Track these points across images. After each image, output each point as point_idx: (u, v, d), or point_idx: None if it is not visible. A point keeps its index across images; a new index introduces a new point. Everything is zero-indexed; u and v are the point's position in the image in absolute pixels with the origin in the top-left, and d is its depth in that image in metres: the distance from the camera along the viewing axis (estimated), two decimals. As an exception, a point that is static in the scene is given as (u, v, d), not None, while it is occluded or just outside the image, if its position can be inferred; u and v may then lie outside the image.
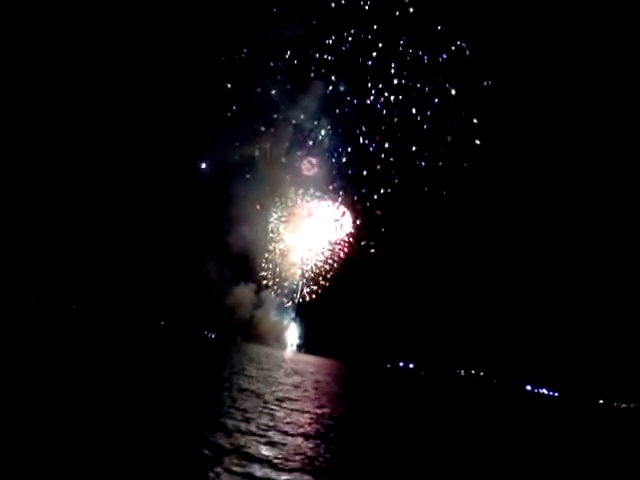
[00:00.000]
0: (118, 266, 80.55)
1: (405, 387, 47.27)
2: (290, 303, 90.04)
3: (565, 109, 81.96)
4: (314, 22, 79.01)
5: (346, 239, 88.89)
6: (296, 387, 23.21)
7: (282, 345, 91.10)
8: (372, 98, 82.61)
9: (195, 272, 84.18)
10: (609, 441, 28.68)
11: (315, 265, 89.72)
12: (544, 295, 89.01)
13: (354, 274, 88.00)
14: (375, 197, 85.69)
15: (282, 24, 77.56)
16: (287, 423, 12.65)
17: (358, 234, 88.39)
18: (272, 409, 14.48)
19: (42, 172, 71.08)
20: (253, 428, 11.07)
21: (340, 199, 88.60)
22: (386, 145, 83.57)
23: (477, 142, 79.34)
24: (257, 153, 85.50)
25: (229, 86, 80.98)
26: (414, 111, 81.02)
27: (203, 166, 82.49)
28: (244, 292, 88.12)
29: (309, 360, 67.80)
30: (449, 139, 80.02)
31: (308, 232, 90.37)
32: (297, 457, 9.32)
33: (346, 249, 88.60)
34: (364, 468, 10.02)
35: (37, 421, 8.57)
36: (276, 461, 8.72)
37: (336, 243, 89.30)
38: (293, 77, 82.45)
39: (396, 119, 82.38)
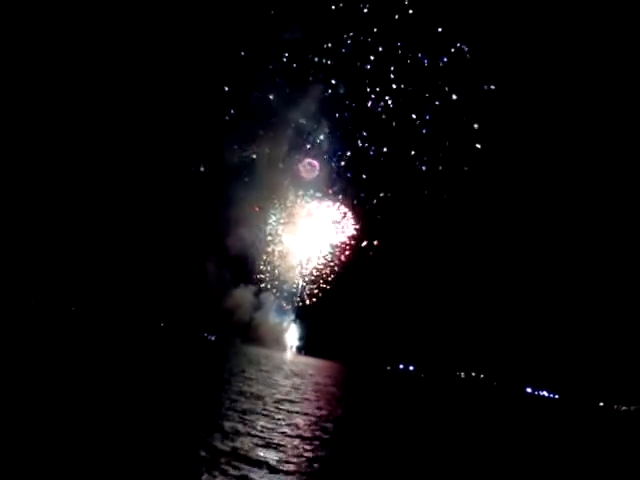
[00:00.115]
0: (117, 268, 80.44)
1: (405, 389, 47.15)
2: (290, 305, 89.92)
3: (566, 112, 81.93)
4: (313, 25, 79.01)
5: (346, 241, 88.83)
6: (295, 389, 23.12)
7: (282, 347, 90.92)
8: (371, 102, 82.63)
9: (194, 274, 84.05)
10: (609, 444, 28.59)
11: (315, 267, 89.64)
12: (544, 297, 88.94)
13: (354, 276, 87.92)
14: (375, 201, 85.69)
15: (280, 27, 77.59)
16: (286, 425, 12.56)
17: (358, 237, 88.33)
18: (271, 411, 14.39)
19: (42, 174, 71.03)
20: (252, 430, 10.99)
21: (340, 202, 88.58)
22: (385, 149, 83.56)
23: (477, 146, 79.30)
24: (256, 155, 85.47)
25: (226, 89, 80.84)
26: (414, 116, 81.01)
27: (202, 169, 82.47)
28: (243, 294, 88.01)
29: (309, 362, 67.69)
30: (448, 143, 80.00)
31: (307, 234, 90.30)
32: (295, 460, 9.24)
33: (346, 251, 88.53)
34: (362, 471, 9.93)
35: (37, 422, 8.49)
36: (274, 464, 8.63)
37: (336, 245, 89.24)
38: (292, 80, 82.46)
39: (394, 123, 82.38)
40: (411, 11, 76.97)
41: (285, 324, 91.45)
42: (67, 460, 7.02)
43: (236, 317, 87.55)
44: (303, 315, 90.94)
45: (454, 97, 78.77)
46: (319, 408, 17.48)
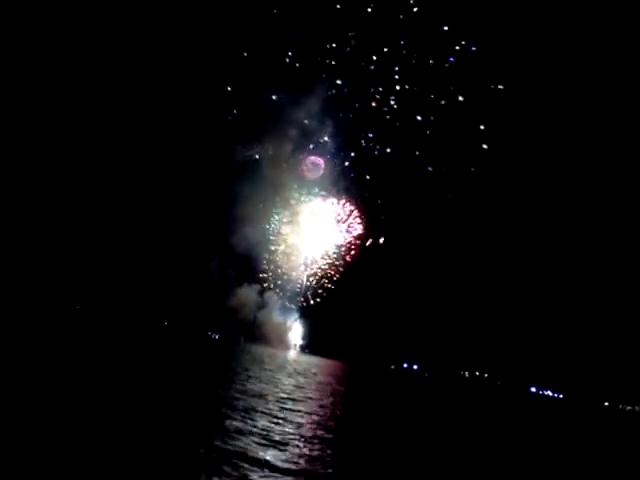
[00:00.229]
0: (122, 267, 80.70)
1: (408, 388, 47.08)
2: (294, 304, 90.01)
3: (573, 112, 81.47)
4: (317, 24, 78.88)
5: (350, 240, 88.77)
6: (299, 388, 23.11)
7: (286, 346, 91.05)
8: (375, 102, 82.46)
9: (199, 273, 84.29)
10: (613, 444, 28.46)
11: (319, 266, 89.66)
12: (549, 297, 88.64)
13: (358, 275, 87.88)
14: (379, 201, 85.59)
15: (284, 26, 77.54)
16: (288, 424, 12.54)
17: (362, 236, 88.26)
18: (273, 410, 14.38)
19: (46, 174, 71.32)
20: (253, 429, 10.97)
21: (344, 201, 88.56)
22: (390, 149, 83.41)
23: (484, 146, 78.99)
24: (260, 155, 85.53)
25: (230, 89, 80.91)
26: (419, 117, 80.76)
27: (209, 166, 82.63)
28: (248, 293, 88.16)
29: (312, 361, 67.70)
30: (455, 143, 79.72)
31: (312, 233, 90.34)
32: (297, 459, 9.21)
33: (350, 250, 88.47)
34: (364, 471, 9.90)
35: (38, 420, 8.49)
36: (275, 463, 8.61)
37: (340, 245, 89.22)
38: (296, 79, 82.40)
39: (399, 123, 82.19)
40: (416, 9, 76.67)
41: (289, 323, 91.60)
42: (66, 458, 7.03)
43: (240, 316, 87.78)
44: (307, 314, 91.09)
45: (460, 98, 78.48)
46: (322, 407, 17.47)
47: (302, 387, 23.99)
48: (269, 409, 14.36)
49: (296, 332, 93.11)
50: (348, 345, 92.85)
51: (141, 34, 72.91)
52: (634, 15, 74.24)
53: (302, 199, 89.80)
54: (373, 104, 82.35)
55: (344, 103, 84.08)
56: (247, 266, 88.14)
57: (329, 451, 10.45)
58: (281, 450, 9.59)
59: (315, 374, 38.67)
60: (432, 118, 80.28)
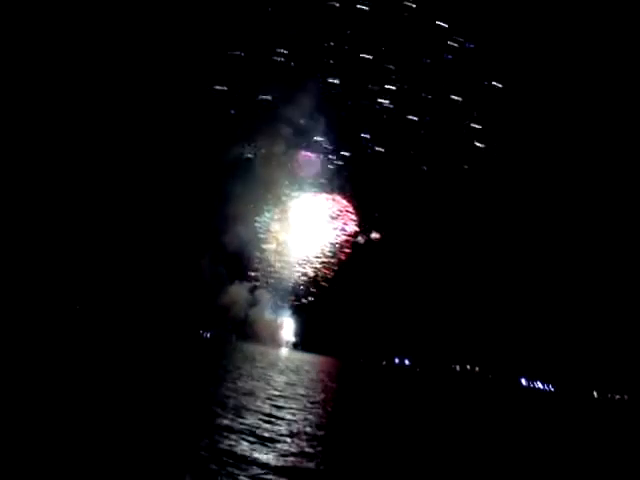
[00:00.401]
0: (114, 266, 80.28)
1: (399, 384, 47.30)
2: (285, 302, 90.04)
3: (568, 110, 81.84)
4: (312, 23, 78.71)
5: (342, 237, 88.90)
6: (290, 385, 23.15)
7: (278, 343, 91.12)
8: (370, 100, 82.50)
9: (190, 271, 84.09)
10: (606, 434, 28.82)
11: (311, 264, 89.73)
12: (538, 290, 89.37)
13: (350, 272, 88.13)
14: (371, 198, 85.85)
15: (278, 26, 77.32)
16: (279, 422, 12.58)
17: (354, 233, 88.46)
18: (265, 408, 14.42)
19: (43, 176, 70.86)
20: (244, 427, 11.00)
21: (336, 199, 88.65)
22: (384, 147, 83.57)
23: (478, 144, 79.36)
24: (253, 153, 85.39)
25: (222, 89, 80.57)
26: (413, 116, 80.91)
27: (200, 164, 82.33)
28: (239, 291, 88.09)
29: (304, 358, 67.77)
30: (449, 142, 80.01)
31: (304, 231, 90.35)
32: (288, 457, 9.26)
33: (342, 247, 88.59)
34: (355, 468, 9.97)
35: (36, 420, 8.46)
36: (265, 461, 8.66)
37: (332, 242, 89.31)
38: (290, 78, 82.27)
39: (393, 121, 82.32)
40: (414, 5, 76.45)
41: (281, 320, 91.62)
42: (60, 458, 7.02)
43: (232, 314, 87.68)
44: (299, 311, 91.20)
45: (455, 97, 78.63)
46: (313, 404, 17.53)
47: (293, 384, 24.04)
48: (260, 407, 14.39)
49: (288, 329, 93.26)
50: (340, 342, 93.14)
51: (137, 36, 72.47)
52: (630, 12, 74.55)
53: (294, 197, 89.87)
54: (367, 102, 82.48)
55: (338, 102, 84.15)
56: (239, 264, 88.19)
57: (320, 448, 10.51)
58: (271, 448, 9.63)
59: (307, 371, 38.74)
60: (427, 118, 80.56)
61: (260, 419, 12.41)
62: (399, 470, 10.33)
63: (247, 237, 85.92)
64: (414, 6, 76.05)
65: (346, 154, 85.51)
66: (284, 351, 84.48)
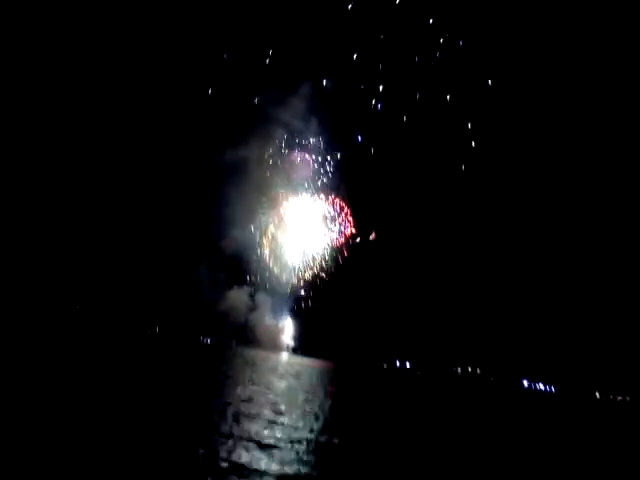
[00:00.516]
0: (113, 272, 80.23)
1: (401, 387, 47.13)
2: (285, 305, 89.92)
3: (564, 108, 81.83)
4: (300, 24, 78.81)
5: (339, 239, 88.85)
6: (290, 390, 23.00)
7: (278, 348, 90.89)
8: (362, 100, 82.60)
9: (189, 276, 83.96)
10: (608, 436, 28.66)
11: (308, 266, 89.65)
12: (539, 290, 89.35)
13: (349, 274, 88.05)
14: (368, 199, 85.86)
15: (266, 27, 77.47)
16: (279, 428, 12.42)
17: (351, 234, 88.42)
18: (265, 414, 14.25)
19: (42, 179, 70.84)
20: (244, 433, 10.83)
21: (332, 200, 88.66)
22: (378, 147, 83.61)
23: (472, 143, 79.38)
24: (247, 156, 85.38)
25: (214, 91, 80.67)
26: (405, 115, 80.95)
27: (194, 171, 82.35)
28: (238, 295, 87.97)
29: (305, 362, 67.57)
30: (442, 141, 79.99)
31: (301, 233, 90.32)
32: (289, 464, 9.10)
33: (340, 249, 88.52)
34: (357, 474, 9.81)
35: (29, 427, 8.29)
36: (266, 468, 8.49)
37: (329, 244, 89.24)
38: (281, 79, 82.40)
39: (387, 121, 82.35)
40: (398, 1, 76.37)
41: (281, 325, 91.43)
42: (54, 467, 6.87)
43: (231, 319, 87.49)
44: (299, 315, 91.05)
45: (448, 97, 78.67)
46: (314, 409, 17.36)
47: (294, 389, 23.87)
48: (260, 413, 14.22)
49: (288, 333, 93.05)
50: (341, 345, 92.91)
51: (127, 37, 72.52)
52: (623, 9, 74.56)
53: (290, 199, 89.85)
54: (360, 103, 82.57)
55: (331, 103, 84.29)
56: (237, 268, 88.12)
57: (321, 454, 10.34)
58: (271, 454, 9.46)
59: (307, 375, 38.57)
60: (419, 115, 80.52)
61: (260, 425, 12.24)
62: (401, 476, 10.17)
63: (244, 241, 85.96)
64: (401, 3, 75.74)
65: (340, 155, 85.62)
66: (284, 355, 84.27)
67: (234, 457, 8.78)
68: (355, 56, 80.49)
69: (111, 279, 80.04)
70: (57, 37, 68.24)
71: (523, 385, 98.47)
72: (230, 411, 13.61)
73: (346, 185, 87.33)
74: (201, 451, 8.82)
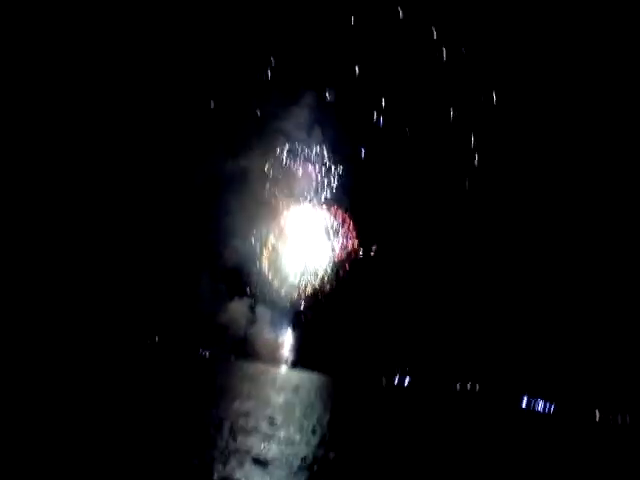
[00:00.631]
0: (110, 281, 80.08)
1: (399, 404, 46.96)
2: (285, 319, 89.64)
3: (570, 126, 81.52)
4: (302, 35, 79.07)
5: (341, 252, 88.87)
6: (288, 405, 23.02)
7: (277, 361, 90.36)
8: (365, 112, 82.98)
9: (190, 286, 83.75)
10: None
11: (309, 279, 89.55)
12: (541, 305, 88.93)
13: (350, 287, 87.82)
14: (370, 212, 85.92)
15: (268, 37, 77.78)
16: (276, 443, 12.51)
17: (354, 246, 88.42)
18: (262, 428, 14.33)
19: (37, 186, 70.95)
20: (240, 448, 10.93)
21: (334, 212, 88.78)
22: (381, 160, 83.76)
23: (475, 158, 79.26)
24: (249, 167, 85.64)
25: (215, 102, 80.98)
26: (410, 127, 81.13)
27: (195, 180, 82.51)
28: (238, 308, 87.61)
29: (304, 376, 67.32)
30: (445, 156, 79.87)
31: (302, 245, 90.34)
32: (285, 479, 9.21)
33: (340, 262, 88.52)
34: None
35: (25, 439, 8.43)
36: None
37: (331, 256, 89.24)
38: (283, 90, 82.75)
39: (389, 134, 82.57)
40: (402, 15, 76.49)
41: (280, 338, 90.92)
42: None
43: (231, 332, 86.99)
44: (298, 329, 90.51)
45: (451, 110, 78.74)
46: (311, 423, 17.42)
47: (292, 403, 23.90)
48: (256, 427, 14.31)
49: (288, 347, 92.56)
50: (340, 360, 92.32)
51: (129, 48, 73.10)
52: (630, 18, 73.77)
53: (291, 209, 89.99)
54: (363, 115, 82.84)
55: (334, 114, 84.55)
56: (238, 280, 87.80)
57: (316, 470, 10.43)
58: (266, 469, 9.56)
59: (306, 390, 38.49)
60: (422, 130, 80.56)
61: (256, 439, 12.33)
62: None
63: (245, 252, 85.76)
64: (403, 14, 75.78)
65: (343, 167, 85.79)
66: (283, 369, 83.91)
67: (228, 472, 8.90)
68: (357, 70, 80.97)
69: (112, 287, 79.92)
70: (60, 53, 68.84)
71: (522, 403, 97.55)
72: (226, 425, 13.70)
73: (348, 198, 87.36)
74: (195, 465, 8.94)
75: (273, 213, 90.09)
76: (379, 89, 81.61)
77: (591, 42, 75.79)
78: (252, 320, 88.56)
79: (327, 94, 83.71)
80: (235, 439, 11.86)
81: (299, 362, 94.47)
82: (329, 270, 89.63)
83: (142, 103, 77.22)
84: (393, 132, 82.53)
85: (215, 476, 8.46)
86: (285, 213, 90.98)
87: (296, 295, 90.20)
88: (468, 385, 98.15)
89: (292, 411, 20.54)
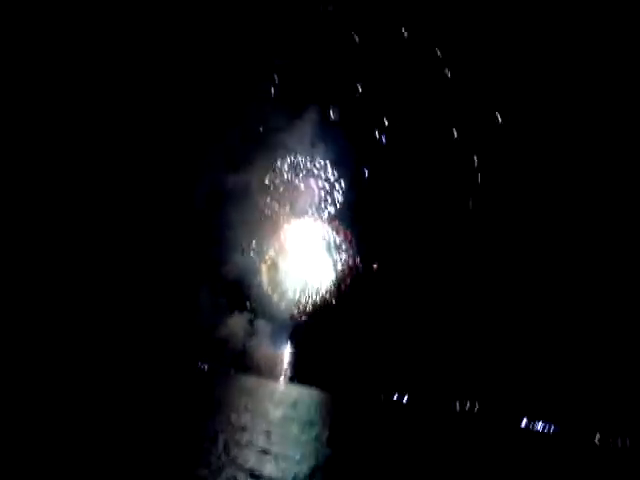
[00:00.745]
0: (111, 294, 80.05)
1: (397, 422, 46.65)
2: (284, 333, 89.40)
3: (575, 145, 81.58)
4: (305, 50, 79.80)
5: (340, 267, 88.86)
6: (286, 420, 22.94)
7: (276, 376, 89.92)
8: (367, 130, 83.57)
9: (189, 300, 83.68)
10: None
11: (309, 294, 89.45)
12: (541, 325, 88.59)
13: (349, 304, 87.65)
14: (372, 229, 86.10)
15: (271, 51, 78.46)
16: (273, 458, 12.49)
17: (355, 263, 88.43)
18: (259, 443, 14.32)
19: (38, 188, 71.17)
20: (237, 463, 10.93)
21: (336, 228, 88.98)
22: (383, 178, 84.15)
23: (479, 177, 79.54)
24: (250, 182, 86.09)
25: (217, 115, 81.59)
26: (413, 146, 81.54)
27: (196, 194, 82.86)
28: (238, 322, 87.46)
29: (303, 391, 66.95)
30: (448, 176, 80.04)
31: (302, 260, 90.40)
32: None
33: (341, 278, 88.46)
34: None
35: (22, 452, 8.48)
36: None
37: (332, 271, 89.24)
38: (286, 106, 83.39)
39: (392, 152, 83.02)
40: (406, 35, 77.30)
41: (279, 352, 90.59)
42: None
43: (230, 345, 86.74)
44: (297, 343, 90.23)
45: (455, 131, 79.16)
46: (309, 440, 17.38)
47: (289, 418, 23.81)
48: (252, 441, 14.29)
49: (287, 362, 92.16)
50: (338, 375, 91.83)
51: (132, 61, 73.79)
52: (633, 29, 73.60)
53: (292, 223, 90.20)
54: (366, 133, 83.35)
55: (337, 131, 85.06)
56: (238, 294, 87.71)
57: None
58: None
59: (304, 405, 38.30)
60: (425, 149, 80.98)
61: (251, 454, 12.33)
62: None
63: (245, 266, 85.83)
64: (407, 34, 76.40)
65: (346, 183, 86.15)
66: (282, 384, 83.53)
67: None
68: (360, 88, 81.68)
69: (113, 299, 79.84)
70: (58, 64, 69.44)
71: (521, 424, 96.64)
72: (221, 439, 13.70)
73: (350, 214, 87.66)
74: (185, 477, 8.96)
75: (274, 227, 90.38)
76: (383, 108, 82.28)
77: (596, 64, 76.23)
78: (251, 334, 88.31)
79: (331, 112, 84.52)
80: (228, 453, 11.86)
81: (298, 377, 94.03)
82: (329, 286, 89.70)
83: (145, 115, 77.83)
84: (396, 151, 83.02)
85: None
86: (286, 227, 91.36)
87: (296, 310, 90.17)
88: (467, 404, 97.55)
89: (289, 426, 20.48)
